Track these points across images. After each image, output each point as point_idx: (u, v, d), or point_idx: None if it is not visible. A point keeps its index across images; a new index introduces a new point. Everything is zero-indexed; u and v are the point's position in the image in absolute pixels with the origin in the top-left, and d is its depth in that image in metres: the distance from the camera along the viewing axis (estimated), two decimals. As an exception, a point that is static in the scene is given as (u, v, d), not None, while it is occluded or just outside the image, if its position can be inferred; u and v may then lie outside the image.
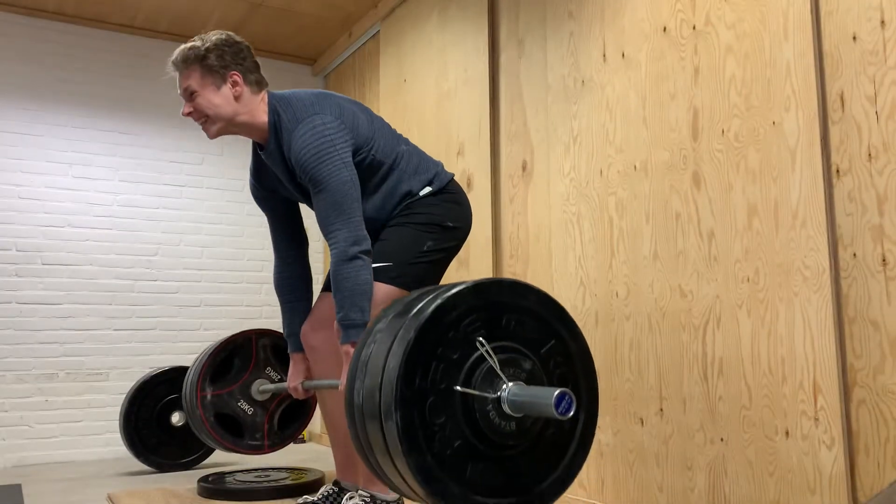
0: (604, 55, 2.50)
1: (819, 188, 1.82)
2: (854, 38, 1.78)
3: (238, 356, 2.72)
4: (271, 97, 2.12)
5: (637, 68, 2.36)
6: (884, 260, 1.70)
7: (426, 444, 1.24)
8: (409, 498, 1.39)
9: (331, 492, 2.27)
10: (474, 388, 1.29)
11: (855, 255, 1.76)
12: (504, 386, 1.29)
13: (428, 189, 2.16)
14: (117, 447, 3.78)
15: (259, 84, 2.13)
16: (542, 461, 1.37)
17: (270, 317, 4.28)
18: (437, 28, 3.40)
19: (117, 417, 3.40)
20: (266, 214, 2.33)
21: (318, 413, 4.45)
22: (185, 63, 2.06)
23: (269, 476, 2.84)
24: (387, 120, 3.81)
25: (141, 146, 4.17)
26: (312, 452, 4.00)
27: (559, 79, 2.68)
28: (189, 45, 2.08)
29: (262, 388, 2.69)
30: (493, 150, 2.98)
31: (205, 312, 4.22)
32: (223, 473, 2.92)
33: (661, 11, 2.29)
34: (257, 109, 2.10)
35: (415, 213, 2.14)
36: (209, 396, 2.64)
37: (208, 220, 4.30)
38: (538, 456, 1.36)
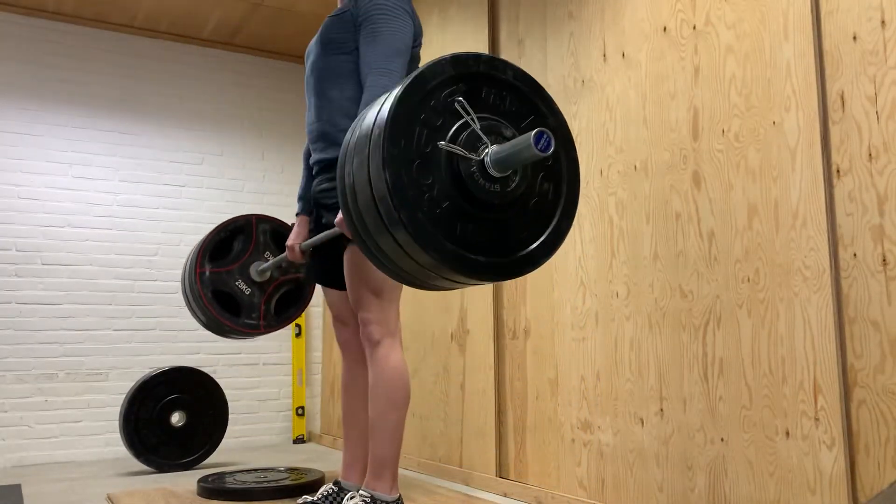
0: (604, 55, 2.49)
1: (819, 188, 1.82)
2: (854, 37, 1.78)
3: (238, 238, 2.73)
4: None
5: (637, 68, 2.36)
6: (884, 260, 1.70)
7: (416, 201, 1.29)
8: (409, 278, 1.41)
9: (331, 491, 2.28)
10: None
11: (855, 255, 1.76)
12: (487, 147, 1.34)
13: None
14: (117, 447, 3.78)
15: None
16: (529, 225, 1.43)
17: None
18: (437, 28, 3.40)
19: (117, 417, 3.40)
20: (307, 90, 2.34)
21: (318, 413, 4.46)
22: None
23: (268, 476, 2.84)
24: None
25: (141, 146, 4.17)
26: (312, 452, 4.00)
27: (559, 79, 2.68)
28: None
29: (260, 267, 2.69)
30: (493, 150, 2.98)
31: (205, 312, 4.21)
32: (223, 473, 2.91)
33: (662, 11, 2.29)
34: None
35: None
36: (208, 273, 2.64)
37: (208, 220, 4.30)
38: (525, 220, 1.42)
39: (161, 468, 3.33)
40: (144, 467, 3.36)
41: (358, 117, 1.47)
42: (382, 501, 2.09)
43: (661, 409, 2.20)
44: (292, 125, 4.52)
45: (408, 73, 2.09)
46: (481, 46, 3.05)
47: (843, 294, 1.78)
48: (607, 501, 2.35)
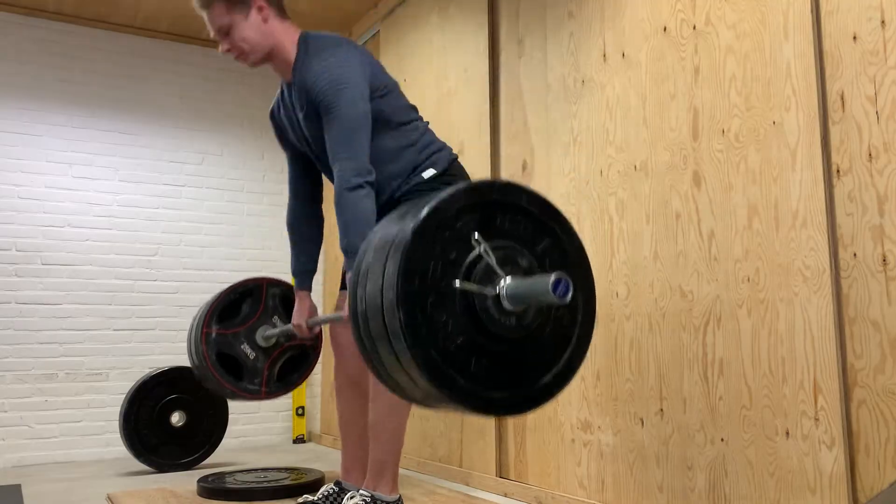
0: (604, 55, 2.49)
1: (819, 188, 1.82)
2: (854, 37, 1.78)
3: (247, 301, 2.73)
4: (302, 34, 2.15)
5: (637, 68, 2.36)
6: (884, 260, 1.70)
7: (430, 339, 1.26)
8: (418, 402, 1.40)
9: (331, 491, 2.28)
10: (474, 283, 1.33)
11: (855, 255, 1.76)
12: (502, 281, 1.32)
13: (433, 172, 2.17)
14: (117, 447, 3.78)
15: (281, 9, 2.16)
16: (544, 356, 1.40)
17: (270, 317, 4.27)
18: (437, 28, 3.40)
19: (117, 417, 3.39)
20: (284, 150, 2.37)
21: (318, 413, 4.46)
22: (208, 4, 2.10)
23: (268, 476, 2.84)
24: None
25: (141, 146, 4.17)
26: (312, 452, 4.00)
27: (559, 79, 2.68)
28: None
29: (266, 333, 2.70)
30: (493, 150, 2.98)
31: (205, 312, 4.21)
32: (223, 473, 2.92)
33: (662, 11, 2.29)
34: (287, 39, 2.14)
35: (420, 196, 2.14)
36: (214, 334, 2.64)
37: (208, 220, 4.30)
38: (540, 351, 1.39)
39: (161, 468, 3.33)
40: (144, 467, 3.36)
41: (368, 238, 1.46)
42: (383, 501, 2.09)
43: (661, 409, 2.20)
44: (292, 125, 4.52)
45: (381, 114, 2.09)
46: (481, 46, 3.05)
47: (843, 294, 1.78)
48: (607, 501, 2.35)
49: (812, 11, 1.86)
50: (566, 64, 2.65)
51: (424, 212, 1.30)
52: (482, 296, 1.31)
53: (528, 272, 1.36)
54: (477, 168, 3.04)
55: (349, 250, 1.95)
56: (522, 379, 1.36)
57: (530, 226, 1.42)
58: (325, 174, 2.27)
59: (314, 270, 2.41)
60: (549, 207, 1.46)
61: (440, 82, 3.34)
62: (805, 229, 1.84)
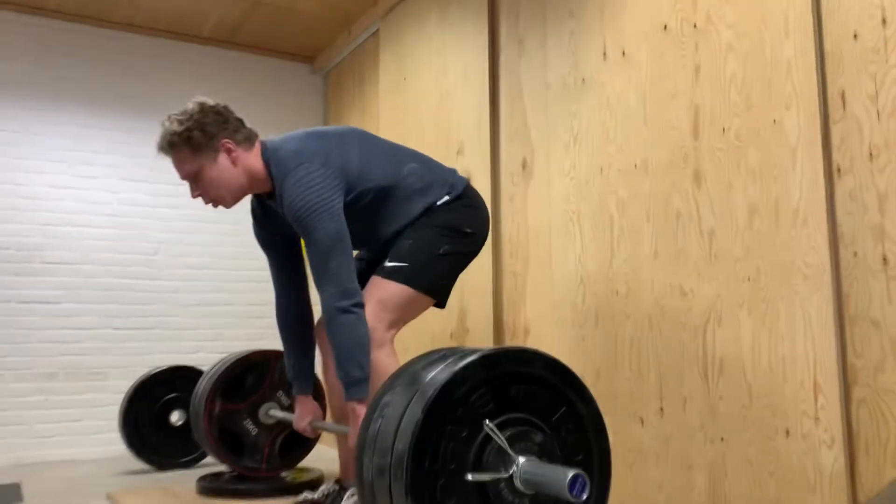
0: (604, 54, 2.49)
1: (820, 187, 1.81)
2: (855, 36, 1.78)
3: (252, 373, 2.74)
4: (263, 150, 2.11)
5: (637, 67, 2.36)
6: (884, 259, 1.69)
7: None
8: None
9: (332, 490, 2.28)
10: (486, 466, 1.28)
11: (856, 254, 1.75)
12: (515, 463, 1.28)
13: (446, 198, 2.18)
14: (117, 446, 3.77)
15: (249, 139, 2.11)
16: None
17: (271, 316, 4.25)
18: (436, 27, 3.39)
19: (117, 416, 3.39)
20: (267, 255, 2.34)
21: (318, 412, 4.46)
22: (172, 147, 2.07)
23: (268, 475, 2.84)
24: (386, 119, 3.82)
25: (141, 145, 4.16)
26: (312, 452, 3.99)
27: (559, 77, 2.67)
28: (169, 129, 2.06)
29: (270, 412, 2.70)
30: (493, 149, 2.97)
31: (205, 312, 4.21)
32: (222, 472, 2.91)
33: (662, 10, 2.28)
34: (255, 165, 2.10)
35: (433, 219, 2.16)
36: (217, 410, 2.65)
37: (209, 219, 4.29)
38: None
39: (161, 467, 3.33)
40: (144, 466, 3.35)
41: (378, 394, 1.43)
42: (382, 501, 2.09)
43: (661, 408, 2.20)
44: (291, 124, 4.49)
45: (379, 190, 2.08)
46: (481, 45, 3.05)
47: (843, 293, 1.78)
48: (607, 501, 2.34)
49: (813, 10, 1.86)
50: (566, 63, 2.65)
51: (436, 389, 1.26)
52: (495, 480, 1.27)
53: (542, 448, 1.33)
54: (477, 167, 3.03)
55: (347, 381, 1.94)
56: None
57: (545, 395, 1.39)
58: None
59: (312, 372, 2.38)
60: (564, 373, 1.42)
61: (440, 81, 3.33)
62: (805, 228, 1.84)
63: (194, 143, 2.03)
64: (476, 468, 1.28)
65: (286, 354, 2.36)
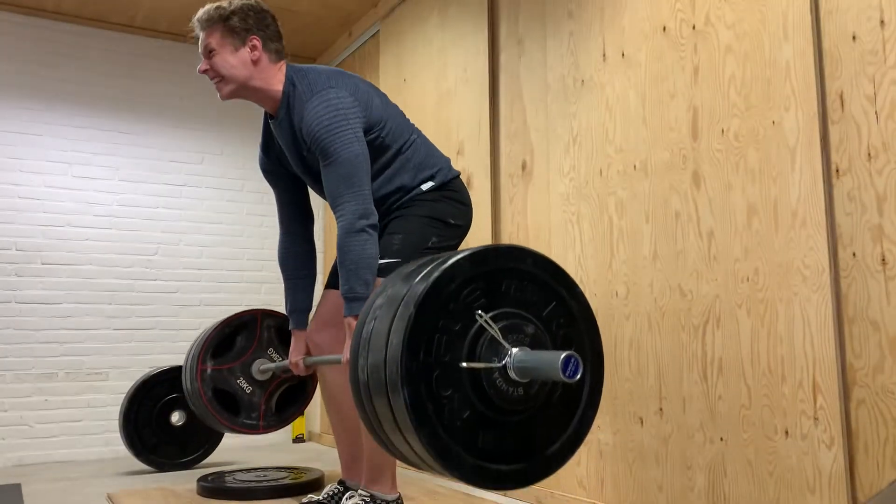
0: (603, 55, 2.50)
1: (819, 188, 1.82)
2: (854, 37, 1.78)
3: (242, 334, 2.72)
4: (289, 68, 2.14)
5: (637, 68, 2.36)
6: (883, 259, 1.70)
7: (436, 416, 1.24)
8: (421, 469, 1.39)
9: (336, 491, 2.28)
10: (479, 358, 1.29)
11: (854, 254, 1.76)
12: (508, 353, 1.29)
13: (430, 184, 2.16)
14: (117, 447, 3.78)
15: (279, 54, 2.15)
16: (552, 424, 1.37)
17: (270, 316, 4.28)
18: (436, 28, 3.40)
19: (117, 417, 3.39)
20: (273, 188, 2.34)
21: (318, 412, 4.46)
22: (209, 22, 2.09)
23: (268, 475, 2.84)
24: (386, 119, 3.81)
25: (141, 146, 4.17)
26: (312, 452, 4.00)
27: (559, 78, 2.68)
28: (216, 4, 2.11)
29: (262, 367, 2.67)
30: (493, 150, 2.98)
31: (204, 312, 4.21)
32: (223, 473, 2.92)
33: (661, 11, 2.29)
34: (273, 78, 2.12)
35: (417, 207, 2.14)
36: (209, 370, 2.62)
37: (208, 219, 4.30)
38: (548, 419, 1.36)
39: (161, 467, 3.33)
40: (144, 467, 3.36)
41: (370, 300, 1.44)
42: (382, 501, 2.09)
43: (661, 409, 2.20)
44: (292, 125, 4.52)
45: (381, 143, 2.09)
46: (481, 46, 3.05)
47: (842, 294, 1.78)
48: (607, 501, 2.35)
49: (811, 11, 1.86)
50: (566, 63, 2.65)
51: (427, 284, 1.27)
52: (489, 369, 1.28)
53: (534, 339, 1.34)
54: (477, 168, 3.04)
55: (350, 296, 1.95)
56: (530, 450, 1.33)
57: (536, 290, 1.39)
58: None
59: (310, 308, 2.37)
60: (554, 269, 1.42)
61: (440, 82, 3.34)
62: (804, 229, 1.84)
63: (229, 26, 2.08)
64: (470, 359, 1.29)
65: (286, 288, 2.35)
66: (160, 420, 3.34)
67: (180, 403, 3.38)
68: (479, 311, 1.30)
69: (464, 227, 2.22)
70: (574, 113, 2.60)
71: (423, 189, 2.15)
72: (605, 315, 2.42)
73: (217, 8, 2.10)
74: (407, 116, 2.27)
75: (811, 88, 1.85)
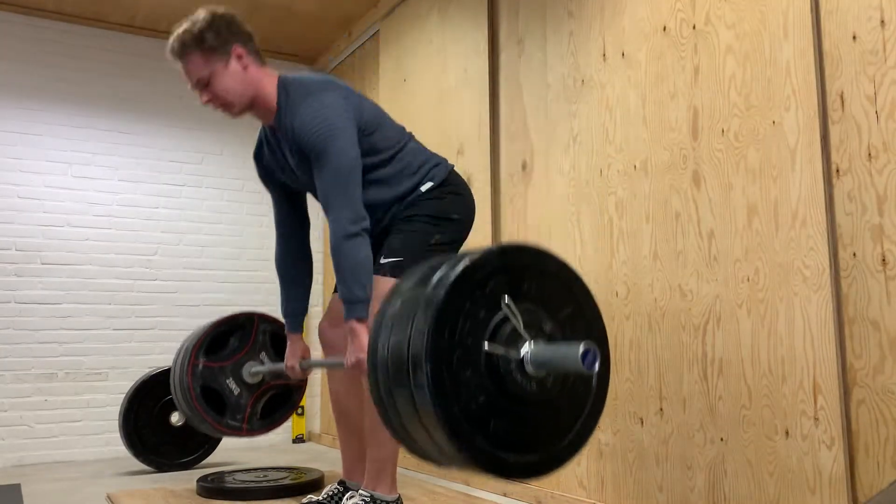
0: (604, 55, 2.49)
1: (819, 188, 1.82)
2: (854, 37, 1.78)
3: (236, 334, 2.71)
4: (281, 78, 2.12)
5: (637, 68, 2.36)
6: (883, 260, 1.70)
7: (454, 395, 1.27)
8: (432, 460, 1.40)
9: (336, 491, 2.28)
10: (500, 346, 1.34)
11: (855, 254, 1.76)
12: (527, 345, 1.32)
13: (430, 184, 2.17)
14: (117, 447, 3.78)
15: (259, 55, 2.11)
16: (559, 423, 1.41)
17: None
18: (436, 27, 3.40)
19: (116, 417, 3.39)
20: (269, 191, 2.33)
21: (318, 412, 4.46)
22: (184, 48, 2.01)
23: (268, 475, 2.84)
24: (386, 119, 3.81)
25: (140, 146, 4.17)
26: (312, 452, 4.00)
27: (559, 78, 2.68)
28: (181, 30, 2.02)
29: (253, 370, 2.67)
30: (493, 150, 2.98)
31: (204, 312, 4.20)
32: (223, 473, 2.92)
33: (661, 11, 2.29)
34: (264, 81, 2.09)
35: (421, 208, 2.15)
36: (201, 366, 2.62)
37: (208, 219, 4.30)
38: (555, 418, 1.40)
39: (161, 468, 3.33)
40: (144, 467, 3.35)
41: (397, 287, 1.45)
42: (382, 501, 2.09)
43: (661, 409, 2.20)
44: (292, 125, 4.51)
45: (374, 148, 2.08)
46: (481, 46, 3.05)
47: (842, 294, 1.78)
48: (607, 501, 2.35)
49: (812, 11, 1.86)
50: (566, 63, 2.65)
51: (459, 269, 1.31)
52: (507, 358, 1.31)
53: (550, 338, 1.37)
54: (477, 168, 3.04)
55: (349, 299, 1.96)
56: (538, 444, 1.36)
57: (556, 292, 1.43)
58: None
59: (306, 312, 2.38)
60: (573, 274, 1.47)
61: (440, 82, 3.34)
62: (805, 229, 1.84)
63: (207, 45, 2.00)
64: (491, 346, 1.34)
65: (282, 292, 2.35)
66: (160, 420, 3.34)
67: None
68: (505, 297, 1.33)
69: (466, 220, 2.23)
70: (574, 113, 2.60)
71: (423, 190, 2.16)
72: (605, 315, 2.40)
73: (185, 32, 2.01)
74: (404, 119, 2.27)
75: (811, 88, 1.85)
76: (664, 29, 2.27)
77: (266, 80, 2.09)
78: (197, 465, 3.42)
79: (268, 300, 4.28)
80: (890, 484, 1.61)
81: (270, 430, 2.75)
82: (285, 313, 2.34)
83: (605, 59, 2.49)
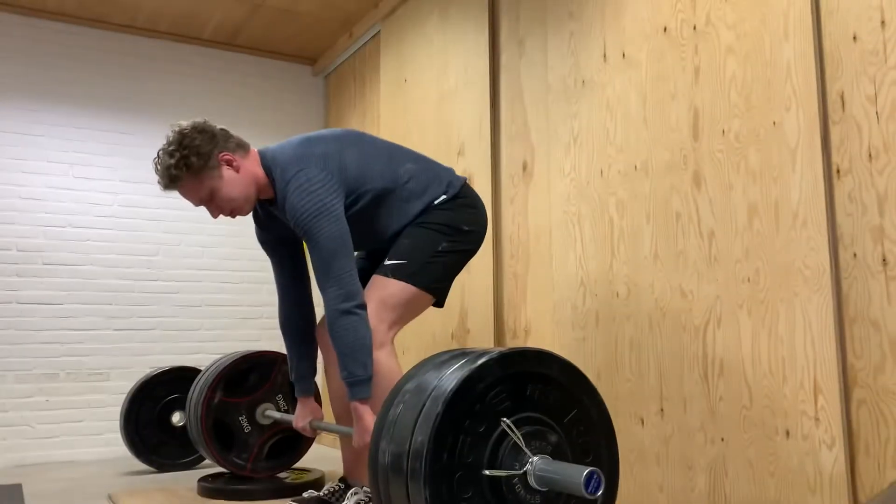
0: (604, 55, 2.50)
1: (819, 188, 1.82)
2: (854, 38, 1.78)
3: (256, 372, 2.74)
4: (263, 158, 2.11)
5: (637, 68, 2.36)
6: (884, 260, 1.70)
7: None
8: None
9: (337, 488, 2.28)
10: (501, 462, 1.30)
11: (855, 255, 1.76)
12: (530, 461, 1.30)
13: (443, 197, 2.19)
14: (118, 447, 3.78)
15: (241, 146, 2.11)
16: None
17: (271, 317, 4.26)
18: (437, 28, 3.40)
19: (118, 417, 3.40)
20: (270, 257, 2.35)
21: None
22: (175, 181, 2.02)
23: (269, 476, 2.84)
24: (387, 121, 3.83)
25: (141, 146, 4.17)
26: (312, 452, 3.99)
27: (560, 79, 2.68)
28: (165, 163, 2.01)
29: (267, 412, 2.70)
30: (494, 150, 2.98)
31: (205, 312, 4.22)
32: (223, 473, 2.92)
33: (662, 11, 2.29)
34: (257, 171, 2.10)
35: (432, 217, 2.18)
36: (217, 400, 2.64)
37: (209, 219, 4.30)
38: None
39: (162, 468, 3.33)
40: (145, 467, 3.36)
41: (405, 380, 1.44)
42: (383, 501, 2.09)
43: (662, 409, 2.20)
44: (293, 126, 4.52)
45: (377, 193, 2.11)
46: (482, 46, 3.05)
47: (843, 294, 1.78)
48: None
49: (812, 12, 1.86)
50: (566, 64, 2.65)
51: (455, 384, 1.28)
52: (509, 478, 1.29)
53: (556, 448, 1.35)
54: (477, 168, 3.04)
55: (351, 381, 1.95)
56: None
57: (559, 395, 1.42)
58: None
59: (314, 374, 2.39)
60: (578, 375, 1.45)
61: (440, 82, 3.34)
62: (805, 229, 1.84)
63: (194, 168, 2.00)
64: (492, 464, 1.31)
65: (289, 355, 2.37)
66: (161, 420, 3.34)
67: (181, 404, 3.38)
68: (504, 419, 1.32)
69: (478, 232, 2.25)
70: (575, 113, 2.60)
71: (436, 203, 2.18)
72: (605, 316, 2.42)
73: (170, 167, 1.99)
74: (404, 120, 2.27)
75: (812, 89, 1.85)
76: (665, 29, 2.27)
77: (256, 168, 2.10)
78: (198, 466, 3.42)
79: (270, 300, 4.28)
80: (891, 484, 1.61)
81: (273, 473, 2.77)
82: (296, 378, 2.36)
83: (605, 60, 2.49)
